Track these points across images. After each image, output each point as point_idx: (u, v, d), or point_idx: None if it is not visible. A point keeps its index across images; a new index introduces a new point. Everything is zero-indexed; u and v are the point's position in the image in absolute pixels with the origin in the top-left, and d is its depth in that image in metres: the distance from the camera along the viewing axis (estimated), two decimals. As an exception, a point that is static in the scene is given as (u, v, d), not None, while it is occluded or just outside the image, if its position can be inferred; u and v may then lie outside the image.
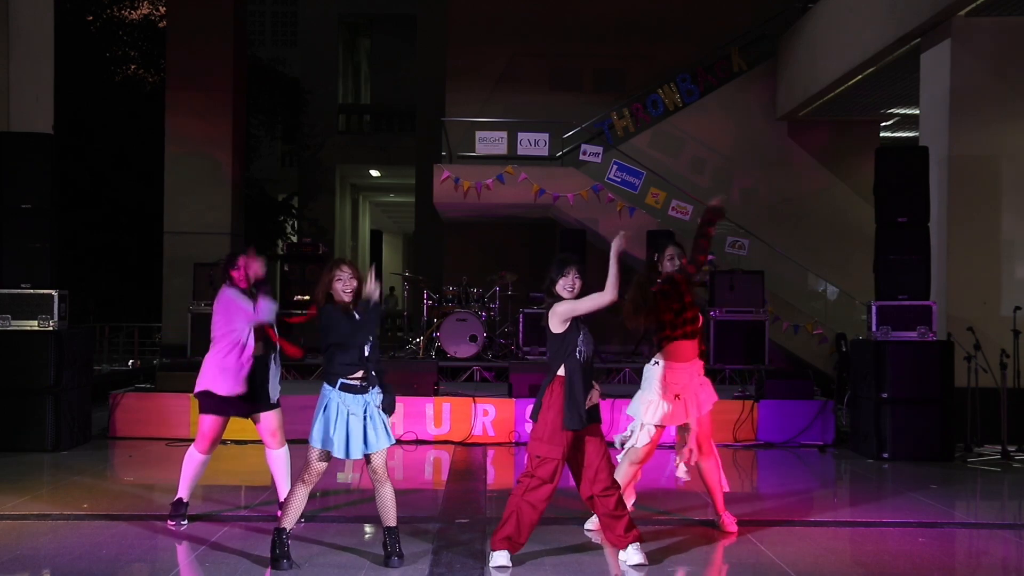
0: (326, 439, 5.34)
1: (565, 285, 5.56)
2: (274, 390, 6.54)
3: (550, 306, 5.57)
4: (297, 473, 5.59)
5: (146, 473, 8.47)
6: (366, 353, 5.40)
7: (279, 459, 6.57)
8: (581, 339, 5.49)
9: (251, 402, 6.43)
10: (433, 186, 15.70)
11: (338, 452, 5.34)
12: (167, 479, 7.51)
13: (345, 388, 5.37)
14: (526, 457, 5.61)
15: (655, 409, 6.20)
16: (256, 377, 6.40)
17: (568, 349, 5.48)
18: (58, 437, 9.20)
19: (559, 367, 5.50)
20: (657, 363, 6.25)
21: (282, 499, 6.59)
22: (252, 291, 6.43)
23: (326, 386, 5.42)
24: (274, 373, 6.53)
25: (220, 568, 5.47)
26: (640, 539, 5.61)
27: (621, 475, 6.17)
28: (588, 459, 5.56)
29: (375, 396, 5.45)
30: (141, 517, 6.60)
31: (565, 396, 5.43)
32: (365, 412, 5.39)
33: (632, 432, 6.31)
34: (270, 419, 6.50)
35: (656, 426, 6.23)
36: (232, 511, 6.88)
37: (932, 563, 5.83)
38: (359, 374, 5.39)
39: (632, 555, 5.55)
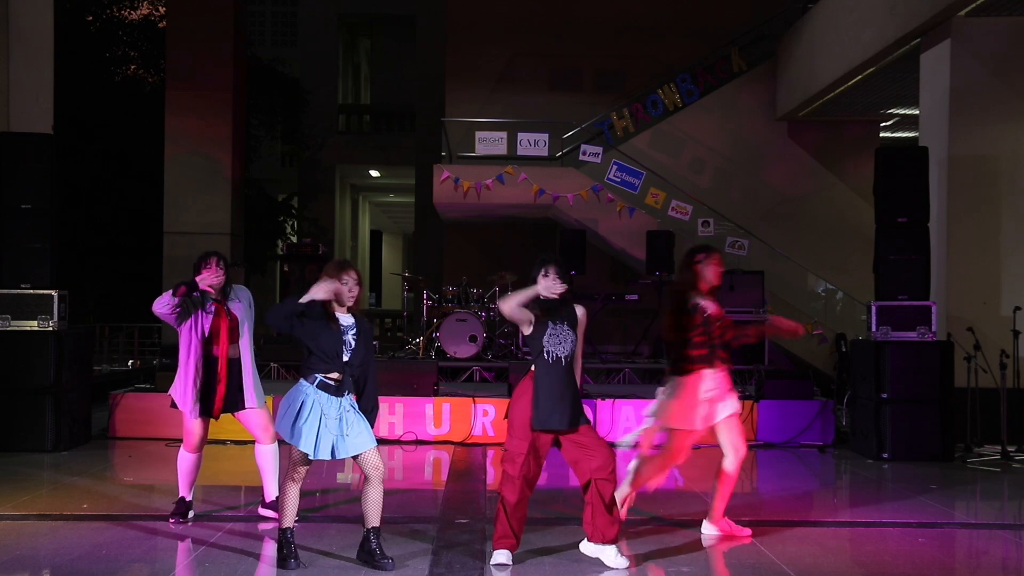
0: (297, 435, 5.33)
1: (547, 286, 5.51)
2: (249, 394, 6.46)
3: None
4: (284, 472, 5.57)
5: (146, 473, 8.47)
6: (345, 357, 5.39)
7: (268, 454, 6.56)
8: (547, 339, 5.46)
9: (225, 407, 6.42)
10: (433, 186, 15.70)
11: (306, 448, 5.33)
12: (167, 479, 7.51)
13: (322, 387, 5.37)
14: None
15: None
16: (231, 381, 6.37)
17: (536, 349, 5.48)
18: (58, 437, 9.20)
19: (532, 366, 5.54)
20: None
21: (268, 497, 6.61)
22: (223, 294, 6.37)
23: (303, 382, 5.40)
24: (250, 375, 6.45)
25: (220, 568, 5.47)
26: (617, 540, 5.58)
27: (642, 473, 6.21)
28: (587, 454, 5.49)
29: (351, 399, 5.45)
30: (141, 517, 6.60)
31: (535, 394, 5.44)
32: (340, 415, 5.38)
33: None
34: (257, 416, 6.50)
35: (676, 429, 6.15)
36: (232, 511, 6.88)
37: (932, 563, 5.83)
38: (335, 375, 5.38)
39: (614, 558, 5.51)
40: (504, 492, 5.51)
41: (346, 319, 5.46)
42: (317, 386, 5.37)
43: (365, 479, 5.47)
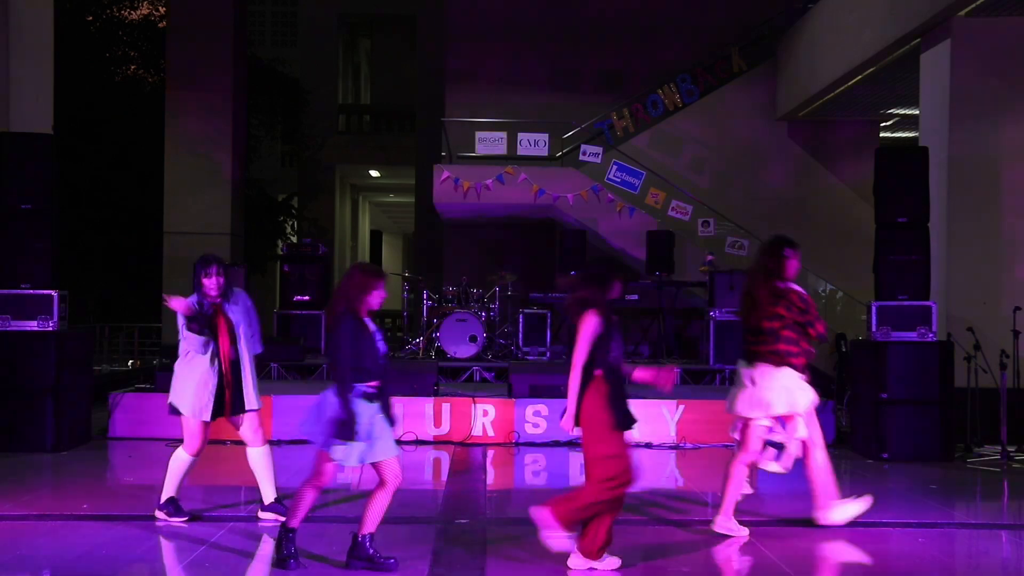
0: (333, 445, 5.30)
1: (621, 292, 5.55)
2: (250, 396, 6.49)
3: (580, 312, 5.45)
4: (307, 475, 5.50)
5: (146, 473, 8.46)
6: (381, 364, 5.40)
7: (260, 458, 6.55)
8: (614, 345, 5.46)
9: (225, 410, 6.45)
10: (433, 186, 15.70)
11: (340, 458, 5.31)
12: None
13: (364, 396, 5.33)
14: (589, 464, 5.43)
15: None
16: (233, 384, 6.40)
17: (606, 355, 5.42)
18: (58, 437, 9.18)
19: (595, 369, 5.42)
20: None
21: (267, 500, 6.58)
22: (224, 297, 6.44)
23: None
24: (249, 379, 6.49)
25: (220, 568, 5.47)
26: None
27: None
28: None
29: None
30: (141, 517, 6.59)
31: (609, 398, 5.39)
32: (371, 420, 5.35)
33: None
34: (251, 419, 6.52)
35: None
36: (232, 511, 6.88)
37: (932, 563, 5.83)
38: (375, 383, 5.37)
39: (610, 561, 5.51)
40: (618, 493, 5.39)
41: (371, 324, 5.46)
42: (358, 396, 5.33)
43: (379, 483, 5.42)
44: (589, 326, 5.39)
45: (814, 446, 6.29)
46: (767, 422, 6.21)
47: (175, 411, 6.42)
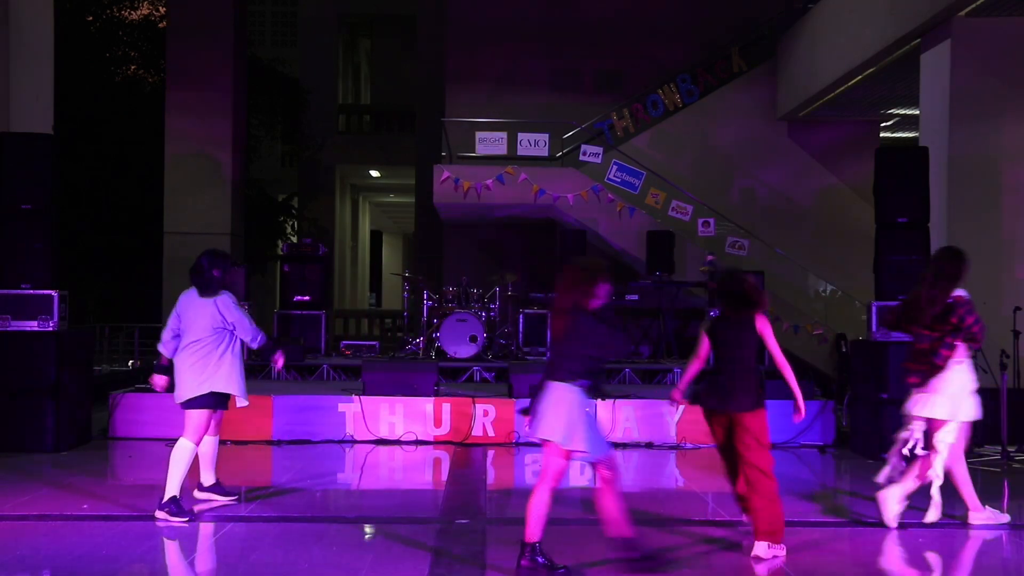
0: (605, 445, 5.29)
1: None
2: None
3: (751, 313, 5.64)
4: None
5: (146, 473, 8.46)
6: None
7: (215, 443, 6.92)
8: None
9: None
10: (433, 186, 15.72)
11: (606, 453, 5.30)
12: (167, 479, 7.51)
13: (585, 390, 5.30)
14: (754, 455, 5.74)
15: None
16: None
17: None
18: (58, 437, 9.18)
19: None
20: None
21: (205, 483, 6.93)
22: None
23: (578, 390, 5.19)
24: None
25: (220, 569, 5.47)
26: None
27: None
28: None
29: None
30: (141, 517, 6.59)
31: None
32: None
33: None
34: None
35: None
36: (233, 511, 6.87)
37: (932, 563, 5.83)
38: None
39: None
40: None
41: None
42: (584, 392, 5.25)
43: (602, 482, 5.34)
44: (770, 325, 5.67)
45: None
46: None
47: (220, 402, 6.64)
